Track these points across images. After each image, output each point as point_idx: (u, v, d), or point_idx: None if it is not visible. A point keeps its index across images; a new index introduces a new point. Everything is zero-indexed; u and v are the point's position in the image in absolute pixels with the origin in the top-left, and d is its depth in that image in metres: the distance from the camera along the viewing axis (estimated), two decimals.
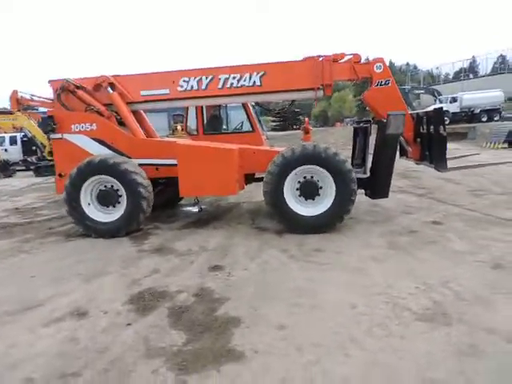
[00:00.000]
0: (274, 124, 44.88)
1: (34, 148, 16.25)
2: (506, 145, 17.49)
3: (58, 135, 5.79)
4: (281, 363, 2.36)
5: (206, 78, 5.66)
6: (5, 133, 18.80)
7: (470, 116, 27.14)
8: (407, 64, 72.80)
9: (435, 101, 30.71)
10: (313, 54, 5.47)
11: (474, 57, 50.09)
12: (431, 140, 5.27)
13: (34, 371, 2.41)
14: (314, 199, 5.09)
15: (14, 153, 17.49)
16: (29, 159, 16.52)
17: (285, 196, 5.02)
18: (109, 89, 5.78)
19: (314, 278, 3.63)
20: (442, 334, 2.57)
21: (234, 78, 5.61)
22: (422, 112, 5.73)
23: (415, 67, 67.69)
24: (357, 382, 2.15)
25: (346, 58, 5.44)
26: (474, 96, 28.14)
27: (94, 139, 5.73)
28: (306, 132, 8.82)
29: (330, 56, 5.40)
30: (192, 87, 5.71)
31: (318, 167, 4.95)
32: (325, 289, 3.37)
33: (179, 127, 26.25)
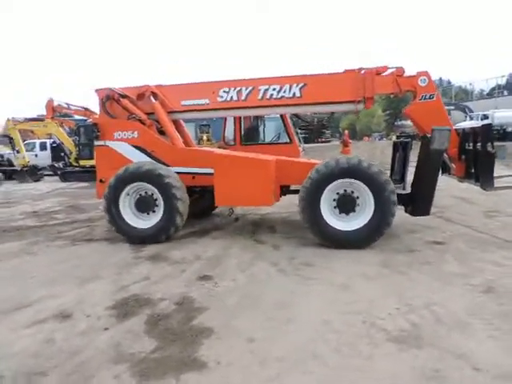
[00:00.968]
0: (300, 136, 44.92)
1: (62, 154, 17.00)
2: None
3: (101, 142, 6.04)
4: (240, 376, 2.38)
5: (246, 88, 5.75)
6: (38, 138, 19.77)
7: (502, 134, 26.25)
8: (440, 79, 71.38)
9: (466, 117, 29.98)
10: (354, 66, 5.44)
11: (511, 73, 48.47)
12: (477, 157, 5.09)
13: (7, 369, 2.53)
14: (351, 213, 4.97)
15: (44, 158, 18.37)
16: (56, 165, 17.28)
17: (321, 209, 4.91)
18: (151, 98, 5.99)
19: (297, 292, 3.62)
20: (409, 357, 2.51)
21: (273, 89, 5.66)
22: (468, 128, 5.58)
23: (449, 82, 66.32)
24: None
25: (389, 71, 5.37)
26: (507, 114, 27.29)
27: (135, 147, 5.93)
28: (345, 145, 8.84)
29: (372, 69, 5.35)
30: (232, 98, 5.82)
31: (355, 180, 4.83)
32: (304, 304, 3.36)
33: (205, 137, 26.77)
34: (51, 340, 2.88)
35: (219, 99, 5.84)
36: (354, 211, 4.94)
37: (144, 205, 5.53)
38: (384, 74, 5.37)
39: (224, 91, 5.81)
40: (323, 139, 45.58)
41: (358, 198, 4.92)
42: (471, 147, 5.21)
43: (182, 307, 3.37)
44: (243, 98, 5.76)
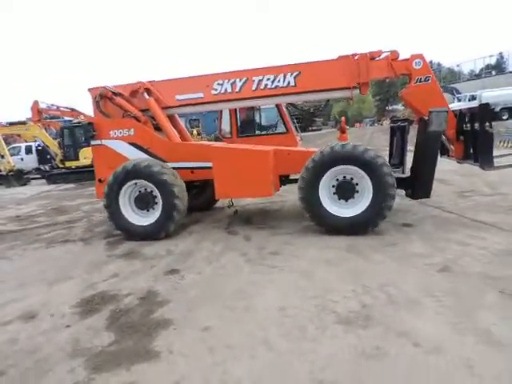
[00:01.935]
0: None
1: (48, 157, 16.95)
2: None
3: (98, 141, 6.02)
4: (188, 364, 2.46)
5: (240, 80, 5.73)
6: (25, 142, 19.67)
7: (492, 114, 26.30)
8: (430, 62, 71.16)
9: (454, 99, 30.01)
10: (347, 52, 5.39)
11: (501, 53, 48.24)
12: (476, 137, 5.13)
13: None
14: (350, 200, 4.97)
15: (30, 162, 18.27)
16: (42, 167, 17.23)
17: (320, 197, 4.94)
18: (145, 94, 5.99)
19: (259, 281, 3.70)
20: (354, 337, 2.60)
21: (268, 79, 5.64)
22: (465, 109, 5.62)
23: (439, 64, 66.16)
24: (247, 383, 2.22)
25: (384, 56, 5.34)
26: (494, 94, 27.29)
27: (132, 144, 5.93)
28: (343, 131, 8.75)
29: (366, 54, 5.31)
30: (226, 90, 5.80)
31: (351, 166, 4.82)
32: (264, 292, 3.44)
33: (195, 132, 26.66)
34: (14, 340, 2.95)
35: (213, 92, 5.83)
36: (354, 197, 4.95)
37: (143, 202, 5.53)
38: (378, 58, 5.35)
39: (218, 84, 5.80)
40: (314, 127, 45.60)
41: (357, 184, 4.91)
42: (469, 128, 5.23)
43: (144, 301, 3.45)
44: (237, 89, 5.74)
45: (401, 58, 5.26)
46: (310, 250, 4.47)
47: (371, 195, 4.78)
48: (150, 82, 6.06)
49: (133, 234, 5.49)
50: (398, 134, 6.34)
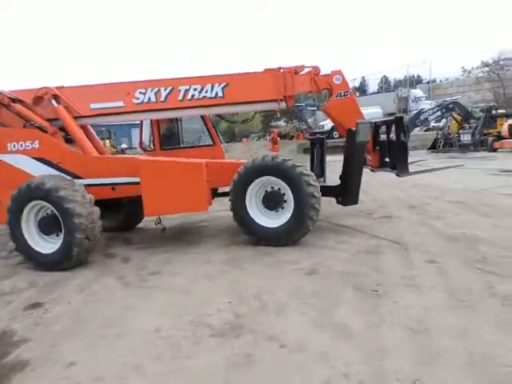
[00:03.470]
0: None
1: None
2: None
3: None
4: None
5: (165, 89, 5.35)
6: None
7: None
8: None
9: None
10: (273, 66, 5.47)
11: (363, 77, 56.01)
12: (392, 147, 5.51)
13: None
14: (280, 210, 4.97)
15: None
16: None
17: (248, 209, 4.92)
18: (53, 102, 5.20)
19: (135, 304, 3.54)
20: (227, 348, 2.66)
21: (195, 89, 5.37)
22: (379, 121, 6.08)
23: None
24: None
25: (306, 71, 5.50)
26: (366, 111, 31.14)
27: (37, 159, 5.06)
28: (275, 143, 8.57)
29: (291, 68, 5.41)
30: (150, 99, 5.35)
31: (271, 177, 4.84)
32: (140, 315, 3.31)
33: (108, 144, 24.42)
34: None
35: (135, 101, 5.37)
36: (283, 208, 4.96)
37: (48, 226, 4.76)
38: (301, 72, 5.51)
39: (140, 92, 5.36)
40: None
41: (284, 194, 4.93)
42: (382, 139, 5.74)
43: None
44: (162, 99, 5.38)
45: (322, 73, 5.57)
46: (189, 267, 4.45)
47: (292, 205, 4.83)
48: (58, 87, 5.36)
49: (39, 262, 4.75)
50: (317, 145, 6.65)
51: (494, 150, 17.46)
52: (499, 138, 17.79)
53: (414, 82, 43.25)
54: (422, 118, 19.13)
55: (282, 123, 41.25)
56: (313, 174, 4.96)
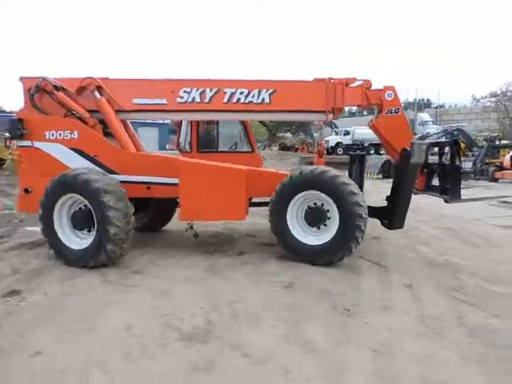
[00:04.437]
0: None
1: None
2: (380, 176, 19.68)
3: (27, 143, 4.98)
4: None
5: (211, 90, 5.19)
6: None
7: (361, 148, 30.03)
8: None
9: (332, 132, 33.58)
10: (324, 76, 5.28)
11: None
12: (445, 170, 5.25)
13: None
14: (322, 227, 4.74)
15: None
16: None
17: (288, 224, 4.72)
18: (96, 93, 5.11)
19: (112, 301, 3.58)
20: (192, 352, 2.70)
21: (241, 93, 5.20)
22: (432, 142, 5.86)
23: None
24: None
25: (358, 83, 5.32)
26: (364, 131, 31.33)
27: (74, 150, 4.99)
28: (320, 156, 8.39)
29: (342, 79, 5.25)
30: (194, 99, 5.21)
31: (317, 192, 4.61)
32: (113, 312, 3.35)
33: None
34: None
35: (179, 100, 5.21)
36: (326, 225, 4.71)
37: (81, 221, 4.64)
38: (352, 85, 5.33)
39: (185, 91, 5.20)
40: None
41: (328, 211, 4.67)
42: (435, 161, 5.44)
43: None
44: (207, 100, 5.21)
45: (373, 87, 5.36)
46: (172, 270, 4.49)
47: (337, 225, 4.56)
48: (102, 78, 5.18)
49: (68, 258, 4.59)
50: (357, 162, 6.46)
51: (495, 180, 17.47)
52: (500, 168, 17.82)
53: (423, 105, 43.45)
54: (426, 141, 19.16)
55: (287, 134, 41.41)
56: (362, 193, 4.75)
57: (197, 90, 5.20)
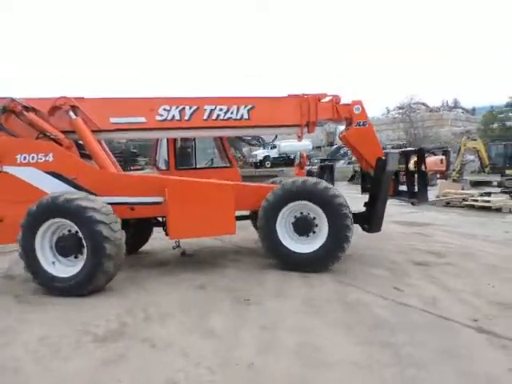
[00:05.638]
0: None
1: None
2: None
3: None
4: None
5: (190, 107, 5.24)
6: None
7: (287, 160, 31.57)
8: None
9: (259, 147, 34.87)
10: (296, 92, 5.54)
11: None
12: (411, 176, 5.85)
13: None
14: (310, 235, 4.97)
15: None
16: None
17: (278, 233, 4.91)
18: (71, 113, 4.95)
19: (29, 318, 3.74)
20: (103, 350, 3.03)
21: (220, 109, 5.30)
22: (400, 151, 6.42)
23: None
24: None
25: (328, 99, 5.58)
26: (289, 144, 33.02)
27: (50, 173, 4.74)
28: (301, 167, 8.44)
29: (315, 95, 5.51)
30: (174, 117, 5.21)
31: (309, 203, 4.85)
32: (31, 326, 3.53)
33: None
34: None
35: (158, 118, 5.20)
36: (314, 232, 4.96)
37: (66, 248, 4.44)
38: (323, 100, 5.58)
39: (164, 109, 5.20)
40: (137, 166, 45.09)
41: (314, 218, 4.94)
42: (402, 169, 6.04)
43: None
44: (187, 117, 5.25)
45: (342, 102, 5.65)
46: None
47: (326, 235, 4.83)
48: (77, 98, 5.08)
49: (51, 287, 4.38)
50: (327, 171, 6.87)
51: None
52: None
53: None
54: (341, 152, 20.90)
55: None
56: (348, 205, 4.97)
57: (176, 107, 5.24)
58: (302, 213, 4.99)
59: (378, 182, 5.37)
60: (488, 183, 18.33)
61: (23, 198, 4.54)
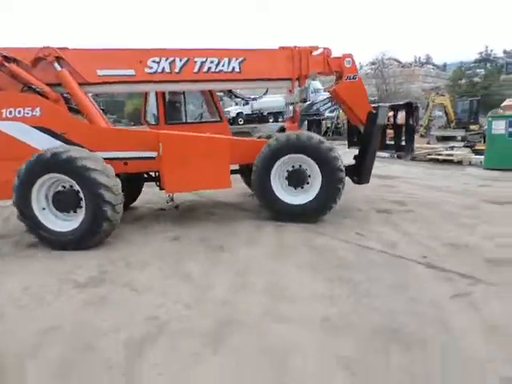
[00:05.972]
0: None
1: None
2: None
3: None
4: None
5: (181, 60, 5.03)
6: None
7: (260, 117, 31.31)
8: None
9: (232, 102, 34.28)
10: (289, 44, 5.40)
11: None
12: (400, 130, 5.94)
13: None
14: (304, 187, 5.11)
15: None
16: None
17: (272, 185, 5.02)
18: (56, 64, 4.67)
19: (12, 270, 3.87)
20: (86, 294, 3.23)
21: (211, 62, 5.12)
22: (390, 105, 6.50)
23: None
24: None
25: (319, 51, 5.49)
26: (262, 100, 32.50)
27: (38, 128, 4.57)
28: (293, 121, 8.30)
29: (306, 47, 5.41)
30: (164, 69, 5.00)
31: (303, 156, 4.96)
32: (14, 278, 3.64)
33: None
34: None
35: (148, 70, 4.99)
36: (308, 183, 5.10)
37: (63, 202, 4.43)
38: (315, 53, 5.50)
39: (154, 61, 5.00)
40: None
41: (306, 169, 5.08)
42: (390, 122, 6.17)
43: None
44: (177, 70, 5.05)
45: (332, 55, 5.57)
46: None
47: (319, 187, 5.00)
48: (61, 48, 4.78)
49: (52, 242, 4.42)
50: (314, 126, 6.83)
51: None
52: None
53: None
54: (314, 108, 20.83)
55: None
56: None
57: (166, 59, 5.06)
58: (293, 166, 5.13)
59: (369, 136, 5.51)
60: (453, 138, 19.05)
61: (11, 154, 4.50)
